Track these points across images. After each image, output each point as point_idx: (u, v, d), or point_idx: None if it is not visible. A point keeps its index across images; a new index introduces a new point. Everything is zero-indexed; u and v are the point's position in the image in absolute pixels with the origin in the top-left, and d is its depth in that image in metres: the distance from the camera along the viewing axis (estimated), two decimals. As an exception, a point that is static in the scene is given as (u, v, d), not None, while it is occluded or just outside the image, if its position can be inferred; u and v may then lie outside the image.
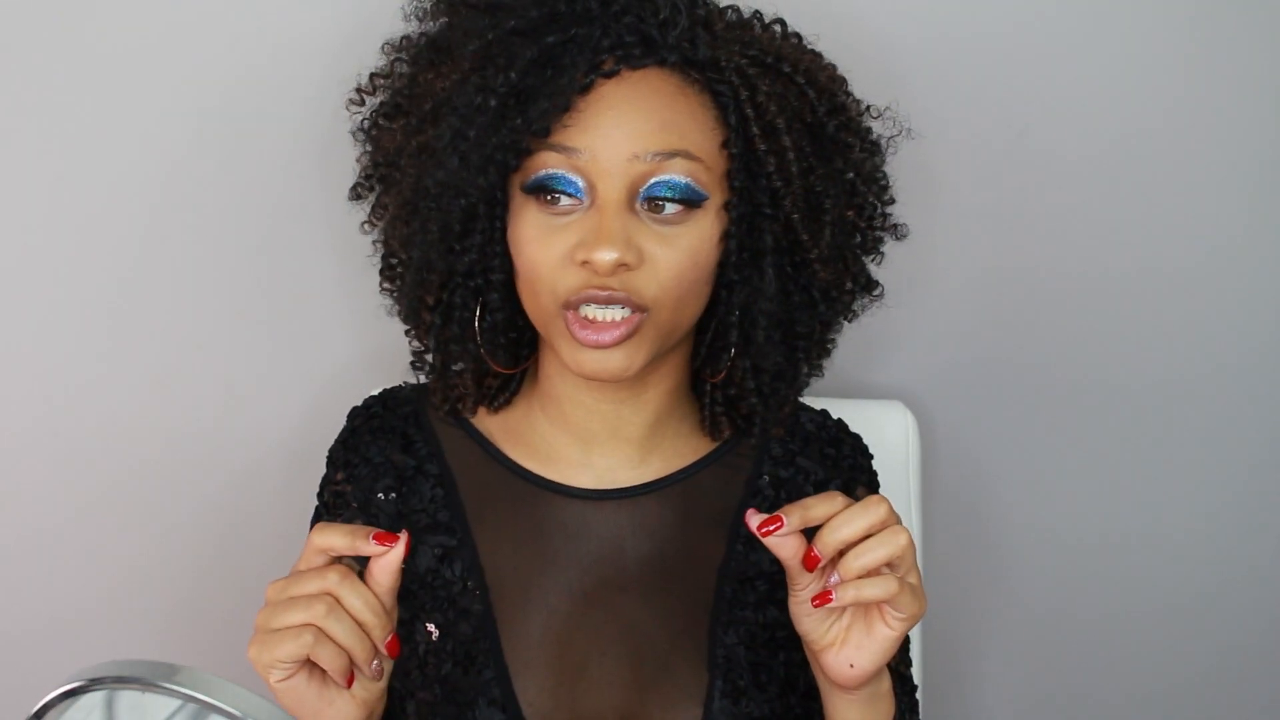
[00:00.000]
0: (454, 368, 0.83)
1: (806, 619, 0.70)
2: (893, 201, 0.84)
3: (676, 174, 0.72)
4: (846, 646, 0.69)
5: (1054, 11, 1.03)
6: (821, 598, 0.67)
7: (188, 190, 1.05)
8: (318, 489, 0.87)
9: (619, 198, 0.71)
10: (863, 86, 0.82)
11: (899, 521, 0.66)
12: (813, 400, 0.94)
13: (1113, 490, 1.17)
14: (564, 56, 0.71)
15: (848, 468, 0.88)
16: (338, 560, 0.67)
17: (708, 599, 0.81)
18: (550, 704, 0.77)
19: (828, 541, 0.65)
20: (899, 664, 0.86)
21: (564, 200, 0.72)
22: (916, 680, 0.92)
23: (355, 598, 0.64)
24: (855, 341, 0.92)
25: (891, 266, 0.86)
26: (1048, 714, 1.26)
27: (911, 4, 1.02)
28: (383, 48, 0.82)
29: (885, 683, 0.73)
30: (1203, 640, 1.22)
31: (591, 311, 0.72)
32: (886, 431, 1.02)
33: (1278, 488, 1.16)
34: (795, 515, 0.66)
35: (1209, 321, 1.11)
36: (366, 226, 0.86)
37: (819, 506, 0.66)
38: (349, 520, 0.84)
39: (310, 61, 1.01)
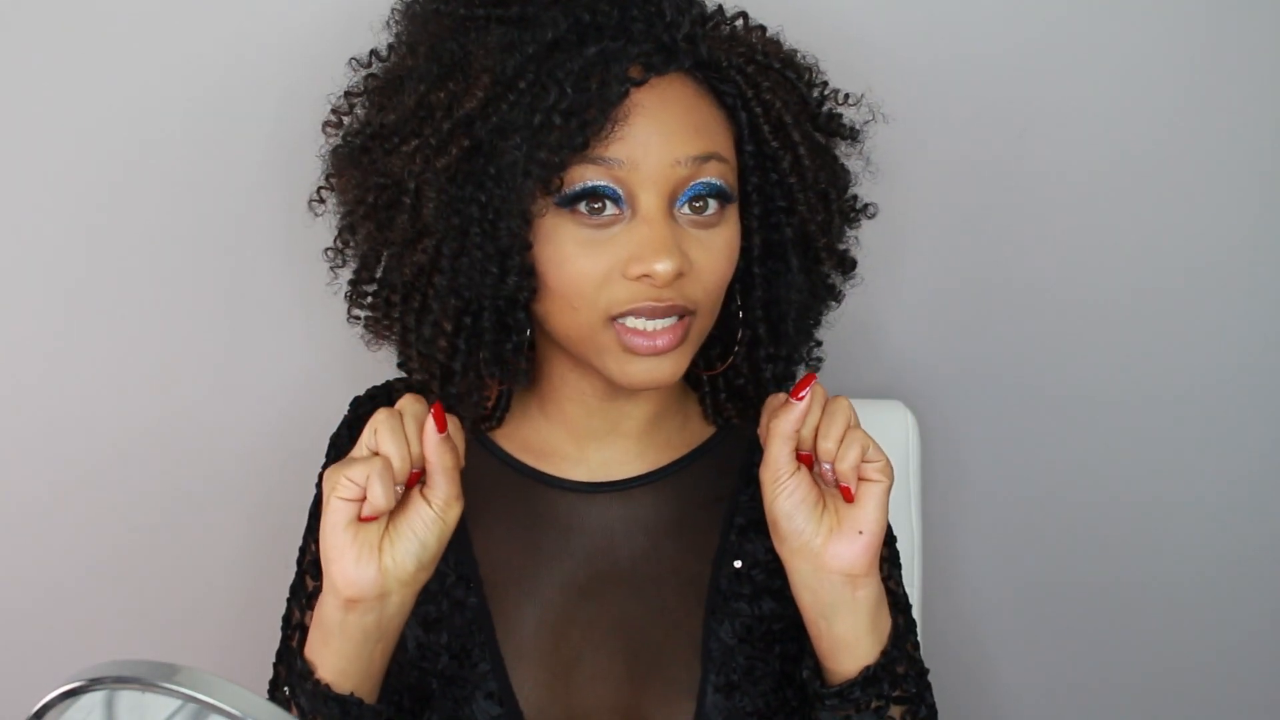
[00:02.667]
0: (452, 390, 0.78)
1: (797, 516, 0.73)
2: (852, 183, 0.85)
3: (712, 176, 0.72)
4: (844, 522, 0.73)
5: (1051, 15, 1.03)
6: (812, 462, 0.75)
7: (163, 189, 1.05)
8: (318, 477, 0.87)
9: (662, 205, 0.71)
10: (849, 84, 0.83)
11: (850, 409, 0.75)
12: (813, 400, 0.94)
13: (1113, 491, 1.17)
14: (603, 68, 0.70)
15: None
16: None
17: (702, 591, 0.81)
18: (545, 698, 0.77)
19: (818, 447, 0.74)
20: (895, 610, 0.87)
21: (607, 211, 0.71)
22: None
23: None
24: (856, 342, 0.92)
25: (893, 267, 0.86)
26: (1049, 710, 1.26)
27: (902, 7, 1.02)
28: (349, 63, 0.80)
29: (880, 590, 0.76)
30: (1202, 639, 1.22)
31: (641, 323, 0.72)
32: (886, 431, 1.02)
33: (1279, 483, 1.17)
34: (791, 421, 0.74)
35: (1210, 321, 1.11)
36: (329, 253, 0.81)
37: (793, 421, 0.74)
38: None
39: (287, 59, 1.00)
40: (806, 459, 0.75)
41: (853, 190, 0.84)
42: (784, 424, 0.74)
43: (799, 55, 0.81)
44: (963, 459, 1.17)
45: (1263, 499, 1.17)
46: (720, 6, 0.80)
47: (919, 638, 1.03)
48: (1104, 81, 1.04)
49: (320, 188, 0.82)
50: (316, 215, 0.82)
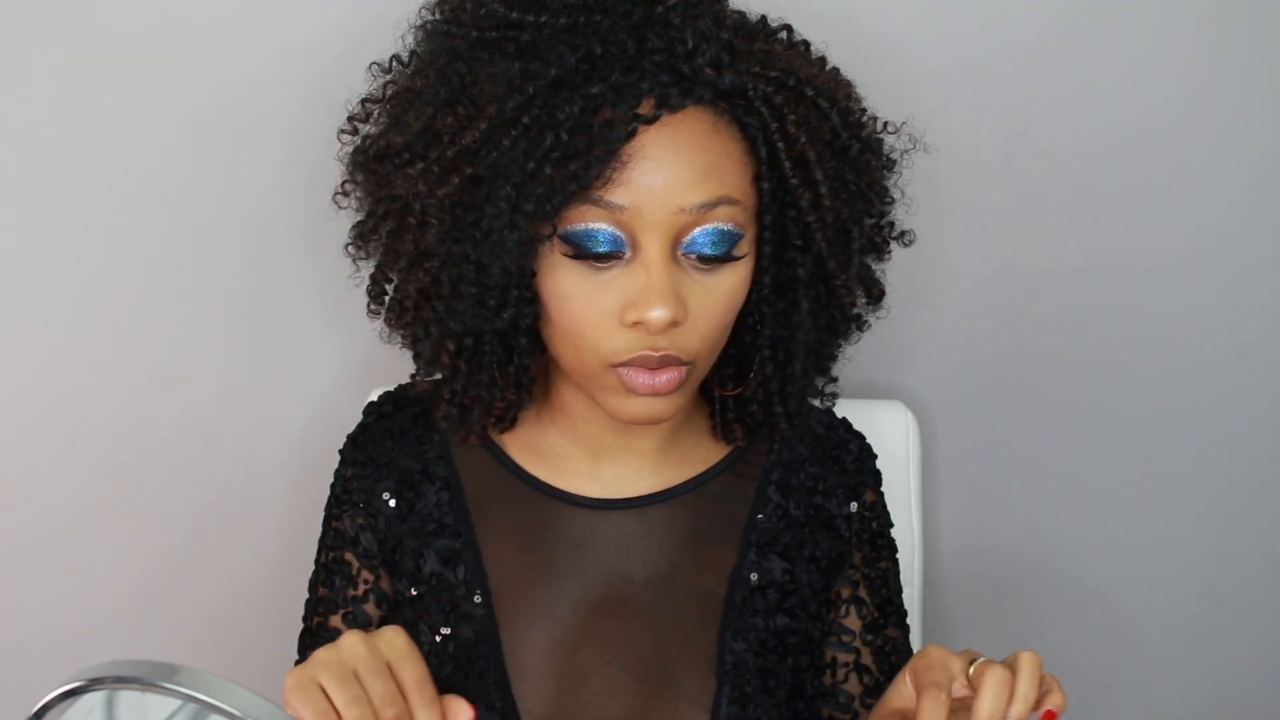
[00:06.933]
0: (459, 401, 0.78)
1: None
2: (893, 205, 0.82)
3: (719, 221, 0.69)
4: None
5: (1054, 14, 1.03)
6: None
7: (184, 192, 1.05)
8: (334, 477, 0.88)
9: (664, 250, 0.68)
10: (866, 91, 0.81)
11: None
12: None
13: (1114, 491, 1.17)
14: (607, 108, 0.67)
15: (854, 471, 0.88)
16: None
17: (717, 606, 0.81)
18: (551, 712, 0.76)
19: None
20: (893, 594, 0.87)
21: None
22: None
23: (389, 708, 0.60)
24: (856, 342, 0.92)
25: (893, 269, 0.85)
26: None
27: (912, 7, 1.02)
28: (370, 68, 0.78)
29: None
30: (1206, 641, 1.22)
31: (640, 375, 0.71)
32: (886, 431, 1.02)
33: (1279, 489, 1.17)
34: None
35: (1212, 324, 1.11)
36: (351, 249, 0.80)
37: (990, 699, 0.64)
38: (353, 516, 0.85)
39: (306, 65, 1.01)
40: None
41: (884, 225, 0.81)
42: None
43: (840, 75, 0.77)
44: (963, 459, 1.17)
45: (1265, 499, 1.17)
46: (764, 18, 0.77)
47: (915, 641, 1.04)
48: (1103, 82, 1.04)
49: (345, 181, 0.80)
50: (341, 208, 0.80)
